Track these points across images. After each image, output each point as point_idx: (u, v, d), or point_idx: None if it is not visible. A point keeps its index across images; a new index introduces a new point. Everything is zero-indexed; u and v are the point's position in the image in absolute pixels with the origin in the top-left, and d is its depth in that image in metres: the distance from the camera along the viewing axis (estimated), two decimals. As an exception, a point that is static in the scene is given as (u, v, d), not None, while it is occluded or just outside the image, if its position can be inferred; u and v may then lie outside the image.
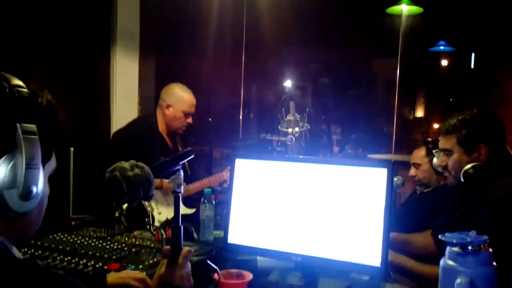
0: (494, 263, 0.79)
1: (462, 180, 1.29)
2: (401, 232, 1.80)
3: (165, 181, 1.74)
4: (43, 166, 0.65)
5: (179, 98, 1.96)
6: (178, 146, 2.06)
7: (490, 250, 0.79)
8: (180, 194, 0.92)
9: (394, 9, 3.21)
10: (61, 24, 2.62)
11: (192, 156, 0.97)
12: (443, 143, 1.35)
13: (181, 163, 0.94)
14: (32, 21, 2.50)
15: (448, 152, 1.33)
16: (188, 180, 1.98)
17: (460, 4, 4.90)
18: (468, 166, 1.27)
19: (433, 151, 1.95)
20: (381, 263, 1.10)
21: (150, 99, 3.11)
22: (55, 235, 1.37)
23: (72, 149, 2.44)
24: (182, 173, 0.94)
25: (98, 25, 2.79)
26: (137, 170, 0.90)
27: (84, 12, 2.70)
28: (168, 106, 1.95)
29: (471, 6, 5.05)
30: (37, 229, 0.69)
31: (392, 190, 1.12)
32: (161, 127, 1.99)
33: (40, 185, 0.63)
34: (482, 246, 0.78)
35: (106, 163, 1.93)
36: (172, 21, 3.59)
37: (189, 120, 1.98)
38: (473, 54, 8.19)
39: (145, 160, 1.89)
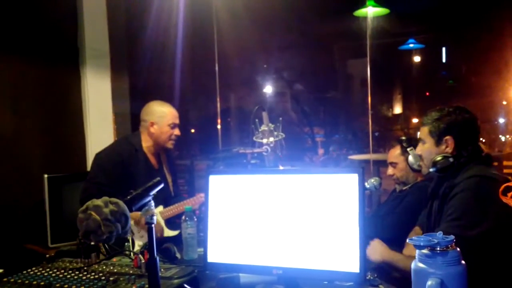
0: (463, 262, 0.81)
1: (431, 169, 1.40)
2: (382, 230, 1.82)
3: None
4: None
5: (161, 113, 1.95)
6: (163, 164, 2.04)
7: (458, 249, 0.80)
8: (153, 225, 0.90)
9: (360, 12, 3.29)
10: (27, 47, 2.56)
11: (162, 185, 0.96)
12: (420, 133, 1.48)
13: (151, 193, 0.92)
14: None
15: (422, 142, 1.45)
16: (172, 200, 1.95)
17: (426, 3, 5.07)
18: (437, 156, 1.38)
19: (408, 149, 1.99)
20: (360, 269, 1.10)
21: (125, 116, 3.06)
22: (29, 270, 1.32)
23: (46, 175, 2.37)
24: (153, 203, 0.92)
25: (66, 46, 2.74)
26: (112, 206, 0.88)
27: (50, 34, 2.65)
28: (152, 124, 1.94)
29: (437, 4, 5.23)
30: None
31: (364, 195, 1.13)
32: (146, 146, 1.97)
33: None
34: (449, 246, 0.80)
35: (87, 185, 1.88)
36: (142, 36, 3.57)
37: (176, 131, 1.98)
38: (444, 49, 8.46)
39: (127, 180, 1.85)
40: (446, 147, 1.38)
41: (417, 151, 1.51)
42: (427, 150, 1.42)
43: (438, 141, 1.40)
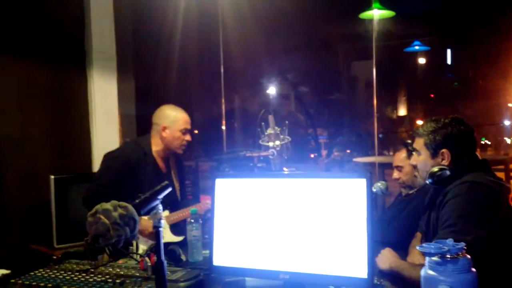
0: (473, 269, 0.80)
1: (427, 181, 1.39)
2: (388, 234, 1.81)
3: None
4: None
5: (174, 118, 1.95)
6: (171, 169, 2.03)
7: (468, 256, 0.80)
8: (160, 229, 0.90)
9: (366, 14, 3.29)
10: (35, 49, 2.58)
11: (170, 189, 0.96)
12: (415, 143, 1.46)
13: (160, 197, 0.92)
14: (5, 46, 2.45)
15: (418, 153, 1.44)
16: (179, 205, 1.95)
17: (432, 5, 5.05)
18: (434, 168, 1.37)
19: (413, 153, 1.98)
20: (368, 274, 1.10)
21: (131, 117, 3.08)
22: (36, 271, 1.32)
23: (52, 177, 2.38)
24: (161, 207, 0.92)
25: (73, 48, 2.76)
26: (120, 210, 0.88)
27: (58, 36, 2.67)
28: (164, 129, 1.94)
29: (442, 6, 5.20)
30: None
31: (372, 200, 1.13)
32: (155, 150, 1.96)
33: None
34: (460, 253, 0.79)
35: (90, 185, 1.89)
36: (149, 38, 3.58)
37: (188, 137, 1.97)
38: (449, 51, 8.43)
39: (135, 184, 1.84)
40: (442, 159, 1.37)
41: (411, 161, 1.49)
42: (423, 162, 1.41)
43: (434, 154, 1.38)
